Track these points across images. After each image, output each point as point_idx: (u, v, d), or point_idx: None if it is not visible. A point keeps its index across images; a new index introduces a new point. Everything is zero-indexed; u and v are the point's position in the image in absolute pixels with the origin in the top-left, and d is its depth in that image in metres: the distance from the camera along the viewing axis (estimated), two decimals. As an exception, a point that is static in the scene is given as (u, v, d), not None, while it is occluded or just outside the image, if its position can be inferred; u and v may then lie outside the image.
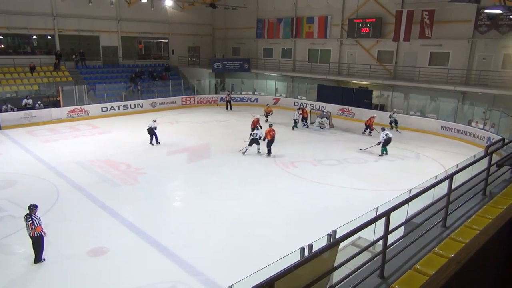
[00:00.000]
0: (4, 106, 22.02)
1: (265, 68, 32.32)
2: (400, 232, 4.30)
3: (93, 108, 24.67)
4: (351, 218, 5.37)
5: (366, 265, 3.68)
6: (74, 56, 28.42)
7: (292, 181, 13.74)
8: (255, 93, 31.13)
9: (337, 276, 3.51)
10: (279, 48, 32.28)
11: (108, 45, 30.67)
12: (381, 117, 21.81)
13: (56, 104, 24.01)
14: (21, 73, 25.56)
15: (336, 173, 14.61)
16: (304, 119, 22.47)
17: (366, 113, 23.96)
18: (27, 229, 8.27)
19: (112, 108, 25.40)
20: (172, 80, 30.53)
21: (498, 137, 14.47)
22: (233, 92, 30.66)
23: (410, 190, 7.13)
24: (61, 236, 9.55)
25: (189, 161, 15.98)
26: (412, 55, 24.23)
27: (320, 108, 25.45)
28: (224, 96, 28.85)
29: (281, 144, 18.30)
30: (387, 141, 16.56)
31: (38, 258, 8.33)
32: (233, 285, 5.08)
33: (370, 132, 20.60)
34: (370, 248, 4.09)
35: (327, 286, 3.45)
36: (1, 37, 26.59)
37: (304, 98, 28.49)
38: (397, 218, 3.84)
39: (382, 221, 3.54)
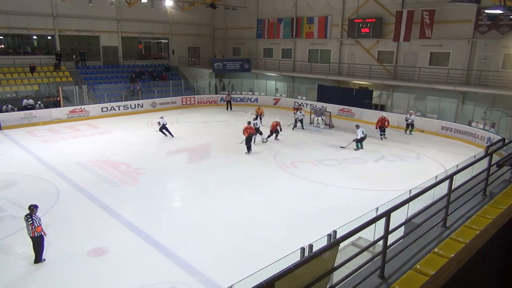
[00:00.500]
0: (4, 106, 22.03)
1: (265, 68, 32.33)
2: (400, 232, 4.29)
3: (93, 108, 24.68)
4: (351, 218, 5.37)
5: (366, 265, 3.68)
6: (74, 56, 28.43)
7: (292, 181, 13.74)
8: (255, 93, 31.14)
9: (337, 276, 3.51)
10: (279, 48, 32.29)
11: (108, 45, 30.68)
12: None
13: (56, 104, 24.02)
14: (21, 73, 25.56)
15: (336, 173, 14.61)
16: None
17: (366, 113, 24.00)
18: (27, 229, 8.27)
19: (112, 108, 25.40)
20: (172, 80, 30.54)
21: (498, 137, 14.47)
22: (233, 92, 30.67)
23: (410, 190, 7.14)
24: (61, 236, 9.55)
25: (189, 161, 15.98)
26: (412, 55, 24.23)
27: (316, 107, 25.25)
28: (224, 96, 28.85)
29: (281, 144, 18.31)
30: (362, 138, 17.31)
31: (38, 258, 8.33)
32: (233, 285, 5.09)
33: (383, 134, 19.72)
34: (370, 248, 4.09)
35: (327, 286, 3.45)
36: (1, 37, 26.60)
37: (304, 98, 28.50)
38: (397, 218, 3.84)
39: (382, 221, 3.54)
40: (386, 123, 19.75)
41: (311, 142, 19.17)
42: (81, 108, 24.15)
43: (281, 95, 30.32)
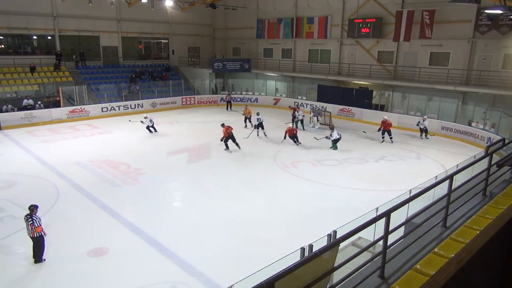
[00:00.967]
0: (4, 107, 22.03)
1: (265, 68, 32.34)
2: (400, 232, 4.29)
3: (93, 108, 24.68)
4: (351, 218, 5.37)
5: (366, 265, 3.68)
6: (74, 56, 28.44)
7: (292, 181, 13.74)
8: (255, 93, 31.15)
9: (337, 276, 3.51)
10: (279, 48, 32.29)
11: (108, 45, 30.69)
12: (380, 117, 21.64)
13: (56, 104, 24.02)
14: (22, 73, 25.57)
15: (336, 173, 14.61)
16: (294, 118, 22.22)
17: (366, 113, 24.01)
18: (27, 229, 8.26)
19: (112, 108, 25.40)
20: (172, 80, 30.55)
21: (498, 137, 14.48)
22: (233, 92, 30.68)
23: (410, 190, 7.14)
24: (61, 236, 9.55)
25: (189, 162, 15.98)
26: (412, 55, 24.24)
27: (314, 107, 25.14)
28: (224, 96, 28.85)
29: (281, 144, 18.29)
30: (337, 139, 17.46)
31: (38, 259, 8.33)
32: (233, 285, 5.09)
33: (390, 137, 18.89)
34: (370, 248, 4.09)
35: (327, 286, 3.45)
36: (1, 37, 26.60)
37: (304, 98, 28.52)
38: (397, 218, 3.84)
39: (382, 221, 3.54)
40: (389, 126, 18.96)
41: (311, 142, 19.15)
42: (81, 108, 24.15)
43: (281, 95, 30.33)
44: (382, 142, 18.94)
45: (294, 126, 21.27)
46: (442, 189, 4.57)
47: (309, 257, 2.88)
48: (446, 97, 21.89)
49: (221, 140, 17.16)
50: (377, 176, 14.34)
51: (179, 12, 32.64)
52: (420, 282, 3.17)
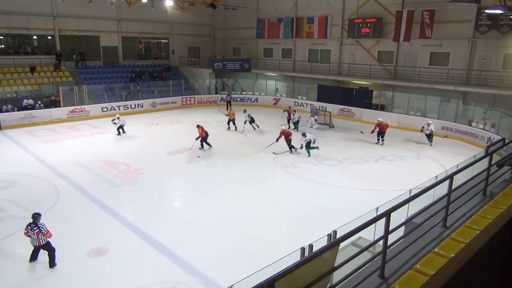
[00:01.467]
0: (4, 106, 22.02)
1: (265, 68, 32.34)
2: (401, 232, 4.29)
3: (93, 108, 24.68)
4: (351, 218, 5.37)
5: (366, 265, 3.68)
6: (74, 56, 28.44)
7: (292, 181, 13.74)
8: (256, 93, 31.16)
9: (337, 276, 3.51)
10: (279, 48, 32.30)
11: (108, 45, 30.69)
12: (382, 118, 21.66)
13: (56, 104, 24.02)
14: (22, 73, 25.57)
15: (336, 173, 14.61)
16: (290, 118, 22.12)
17: (366, 113, 24.01)
18: (32, 239, 8.05)
19: (112, 108, 25.38)
20: (172, 80, 30.54)
21: (499, 137, 14.47)
22: (233, 92, 30.68)
23: (410, 190, 7.14)
24: (61, 236, 9.52)
25: (189, 162, 15.97)
26: (412, 55, 24.24)
27: (313, 106, 25.02)
28: (224, 96, 28.84)
29: (281, 145, 18.28)
30: (309, 143, 16.31)
31: (53, 262, 8.21)
32: (233, 285, 5.08)
33: (382, 139, 18.48)
34: (370, 248, 4.09)
35: (327, 286, 3.44)
36: (1, 37, 26.60)
37: (305, 98, 28.52)
38: (397, 218, 3.84)
39: (383, 221, 3.54)
40: (385, 127, 18.47)
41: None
42: (81, 108, 24.14)
43: (281, 95, 30.33)
44: (381, 144, 18.53)
45: (292, 127, 21.26)
46: (442, 189, 4.57)
47: (309, 257, 2.88)
48: (446, 97, 21.90)
49: (196, 139, 17.14)
50: (377, 176, 14.34)
51: (179, 12, 32.65)
52: (420, 282, 3.17)
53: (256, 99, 30.32)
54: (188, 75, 33.15)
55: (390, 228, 3.64)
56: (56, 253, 8.27)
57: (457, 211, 4.84)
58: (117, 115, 20.35)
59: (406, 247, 4.00)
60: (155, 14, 30.57)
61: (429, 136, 18.38)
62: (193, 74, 32.92)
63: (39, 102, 23.38)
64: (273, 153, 16.76)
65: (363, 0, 25.80)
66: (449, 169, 11.34)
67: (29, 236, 8.10)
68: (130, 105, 26.31)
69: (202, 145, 17.37)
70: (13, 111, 22.06)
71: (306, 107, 26.17)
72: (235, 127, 21.19)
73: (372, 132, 18.50)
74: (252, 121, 21.00)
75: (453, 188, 4.61)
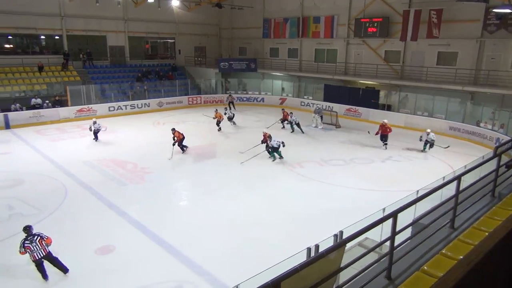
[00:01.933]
0: (13, 106, 22.25)
1: (272, 68, 32.31)
2: (407, 233, 4.27)
3: (101, 108, 24.84)
4: (358, 219, 5.34)
5: (373, 266, 3.67)
6: (81, 56, 28.65)
7: (299, 181, 13.71)
8: (262, 93, 31.15)
9: (343, 276, 3.50)
10: (285, 48, 32.25)
11: (115, 45, 30.86)
12: (390, 118, 21.48)
13: (64, 104, 24.22)
14: (30, 73, 25.81)
15: (343, 173, 14.55)
16: (284, 120, 21.92)
17: (373, 113, 23.89)
18: (36, 251, 7.45)
19: (119, 108, 25.54)
20: (179, 79, 30.64)
21: (507, 138, 14.32)
22: (239, 92, 30.70)
23: (418, 191, 7.09)
24: (68, 234, 9.63)
25: (195, 161, 16.02)
26: (420, 55, 24.07)
27: (317, 106, 24.61)
28: (226, 97, 28.75)
29: (288, 144, 18.28)
30: (276, 148, 15.60)
31: (64, 267, 7.88)
32: (239, 285, 5.09)
33: (385, 142, 17.75)
34: (377, 249, 4.07)
35: (334, 287, 3.44)
36: (10, 37, 26.88)
37: (311, 98, 28.46)
38: (404, 219, 3.81)
39: (389, 222, 3.52)
40: (388, 130, 17.70)
41: (318, 142, 19.12)
42: (88, 107, 24.31)
43: (287, 95, 30.29)
44: (385, 149, 17.71)
45: (291, 131, 20.85)
46: (450, 190, 4.53)
47: (316, 257, 2.87)
48: (454, 97, 21.71)
49: (173, 145, 16.40)
50: (384, 176, 14.27)
51: (185, 11, 32.72)
52: (427, 284, 3.15)
53: (263, 99, 30.30)
54: (194, 75, 33.23)
55: (397, 228, 3.62)
56: (59, 251, 8.22)
57: (465, 212, 4.80)
58: (93, 120, 19.26)
59: (413, 248, 3.97)
60: (162, 14, 30.68)
61: (426, 145, 17.12)
62: (199, 73, 32.99)
63: (46, 101, 23.58)
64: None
65: (370, 0, 25.68)
66: (457, 170, 11.23)
67: (30, 251, 7.45)
68: (137, 104, 26.44)
69: (182, 148, 16.71)
70: (21, 110, 22.28)
71: (312, 106, 26.09)
72: (219, 128, 20.96)
73: (377, 134, 17.98)
74: (230, 119, 21.92)
75: (461, 189, 4.57)
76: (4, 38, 26.45)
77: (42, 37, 28.31)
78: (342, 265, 3.33)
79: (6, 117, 21.15)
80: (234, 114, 22.61)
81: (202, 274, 8.03)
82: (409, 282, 3.37)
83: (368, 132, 19.64)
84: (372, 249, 3.78)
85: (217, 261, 8.51)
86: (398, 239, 3.81)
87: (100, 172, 14.32)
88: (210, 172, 14.52)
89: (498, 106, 19.63)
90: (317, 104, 25.66)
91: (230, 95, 28.27)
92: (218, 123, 21.10)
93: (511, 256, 2.87)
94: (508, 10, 17.34)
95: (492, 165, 5.20)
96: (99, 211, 11.10)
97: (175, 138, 16.40)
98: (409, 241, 4.18)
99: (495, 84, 20.63)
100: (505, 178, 5.65)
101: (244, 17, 33.54)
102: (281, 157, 15.74)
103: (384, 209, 6.14)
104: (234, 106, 27.73)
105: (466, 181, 4.92)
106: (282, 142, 15.64)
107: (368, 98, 24.65)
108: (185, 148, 16.90)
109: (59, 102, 24.21)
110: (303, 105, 28.13)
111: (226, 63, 31.35)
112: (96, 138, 18.71)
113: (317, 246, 4.88)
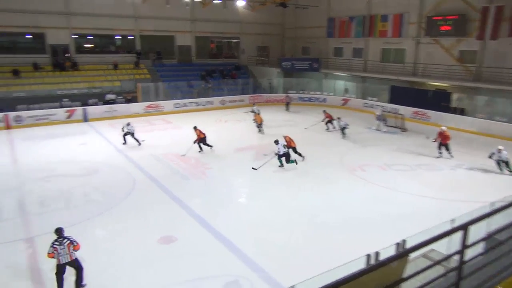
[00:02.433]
0: (91, 100, 24.30)
1: (335, 68, 31.69)
2: (479, 248, 3.96)
3: (167, 104, 26.16)
4: (422, 228, 5.06)
5: (438, 280, 3.46)
6: (152, 55, 30.40)
7: (359, 185, 13.29)
8: (324, 93, 30.70)
9: (405, 288, 3.34)
10: (350, 47, 31.45)
11: (183, 45, 32.32)
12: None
13: (135, 100, 25.93)
14: (106, 70, 27.96)
15: (407, 179, 13.84)
16: (329, 122, 21.16)
17: (445, 118, 22.19)
18: (62, 255, 7.03)
19: (184, 105, 26.71)
20: (242, 78, 31.26)
21: None
22: (300, 92, 30.53)
23: (493, 203, 6.53)
24: (135, 223, 10.29)
25: (256, 159, 16.19)
26: (500, 55, 22.05)
27: (379, 114, 22.71)
28: (284, 97, 28.70)
29: (349, 147, 17.82)
30: (284, 154, 14.54)
31: (81, 281, 7.36)
32: (295, 285, 5.06)
33: (448, 152, 16.20)
34: (444, 263, 3.83)
35: (395, 297, 3.30)
36: (91, 37, 29.33)
37: (376, 99, 27.47)
38: (475, 232, 3.54)
39: (458, 234, 3.29)
40: (448, 139, 16.08)
41: (382, 146, 18.39)
42: (156, 103, 25.74)
43: (350, 96, 29.51)
44: (438, 157, 16.15)
45: (341, 136, 19.75)
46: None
47: (377, 265, 2.78)
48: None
49: (194, 143, 16.60)
50: (453, 185, 13.32)
51: (249, 11, 33.25)
52: (501, 305, 2.90)
53: (325, 99, 29.85)
54: (257, 74, 33.68)
55: (468, 242, 3.38)
56: (125, 238, 8.52)
57: (549, 230, 4.33)
58: (128, 121, 18.56)
59: (486, 265, 3.68)
60: (227, 14, 31.52)
61: (501, 164, 14.54)
62: (262, 73, 33.36)
63: (119, 97, 25.40)
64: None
65: (444, -4, 24.10)
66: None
67: (57, 253, 7.03)
68: (201, 102, 27.43)
69: (200, 147, 16.79)
70: (97, 105, 24.24)
71: (374, 108, 25.12)
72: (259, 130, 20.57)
73: (435, 140, 16.50)
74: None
75: (544, 204, 4.13)
76: (84, 38, 28.93)
77: (118, 37, 30.49)
78: (404, 275, 3.19)
79: (85, 111, 23.16)
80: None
81: (257, 270, 8.12)
82: (479, 301, 3.13)
83: (427, 137, 18.42)
84: (438, 262, 3.56)
85: (272, 259, 8.54)
86: (468, 254, 3.55)
87: (165, 166, 15.08)
88: (269, 170, 14.60)
89: None
90: (381, 108, 24.49)
91: (287, 96, 28.21)
92: (258, 126, 20.73)
93: None
94: None
95: None
96: (163, 202, 11.70)
97: (197, 136, 16.69)
98: (481, 257, 3.87)
99: None
100: None
101: (309, 16, 33.25)
102: (292, 162, 14.76)
103: (453, 220, 5.74)
104: (289, 107, 27.53)
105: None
106: (289, 148, 14.88)
107: (438, 101, 23.16)
108: (210, 147, 16.90)
109: (132, 100, 25.95)
110: (366, 106, 27.22)
111: (289, 63, 31.36)
112: (125, 141, 17.84)
113: (376, 253, 4.71)
